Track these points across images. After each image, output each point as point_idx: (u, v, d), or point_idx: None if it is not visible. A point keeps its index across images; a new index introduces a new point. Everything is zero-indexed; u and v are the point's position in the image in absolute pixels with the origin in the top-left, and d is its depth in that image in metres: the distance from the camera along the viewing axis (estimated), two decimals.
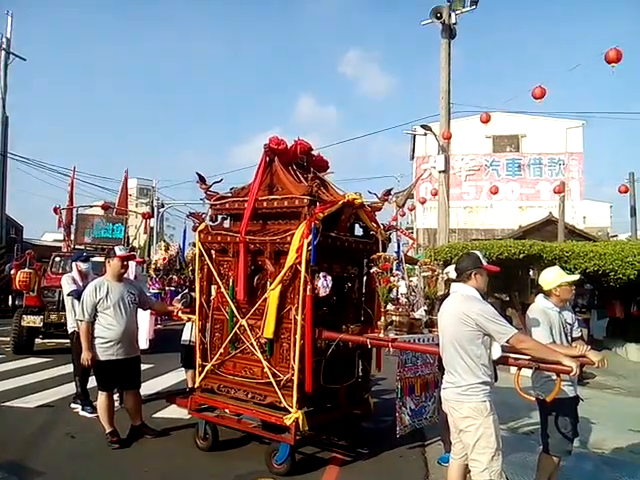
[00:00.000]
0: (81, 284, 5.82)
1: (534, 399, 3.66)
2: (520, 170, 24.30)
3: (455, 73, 13.98)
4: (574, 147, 24.02)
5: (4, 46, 18.53)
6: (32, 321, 9.30)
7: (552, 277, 3.86)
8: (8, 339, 10.14)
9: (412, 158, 27.64)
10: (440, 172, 14.26)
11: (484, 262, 3.42)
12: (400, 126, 20.50)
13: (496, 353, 3.24)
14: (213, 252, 4.92)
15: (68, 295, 5.92)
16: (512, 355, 3.35)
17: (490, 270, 3.45)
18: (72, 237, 11.47)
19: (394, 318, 4.27)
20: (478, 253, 3.51)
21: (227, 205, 4.92)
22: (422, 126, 15.19)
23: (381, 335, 4.17)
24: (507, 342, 3.13)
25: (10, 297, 15.00)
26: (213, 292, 4.88)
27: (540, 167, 24.22)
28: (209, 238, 4.89)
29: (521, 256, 11.34)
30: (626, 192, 20.36)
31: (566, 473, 4.17)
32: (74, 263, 6.08)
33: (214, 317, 4.87)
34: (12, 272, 14.06)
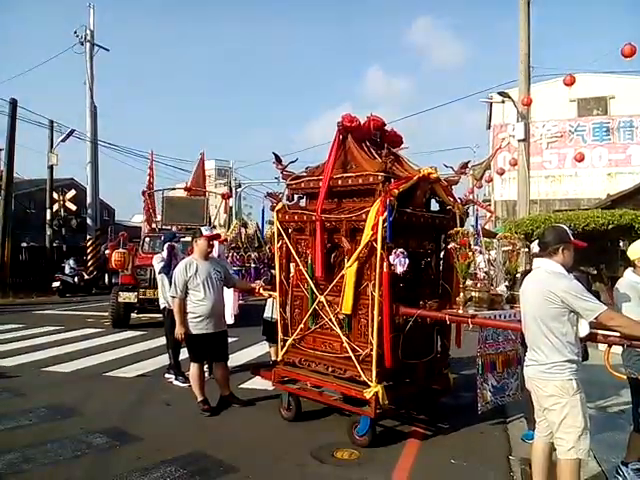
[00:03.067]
0: (172, 262, 6.18)
1: (625, 377, 3.51)
2: (609, 134, 22.49)
3: (535, 35, 13.15)
4: None
5: (88, 38, 19.69)
6: (127, 297, 10.08)
7: (639, 247, 3.69)
8: (107, 314, 11.08)
9: (489, 127, 26.41)
10: (519, 141, 13.58)
11: (571, 236, 3.28)
12: (475, 94, 19.68)
13: (584, 330, 3.12)
14: (290, 231, 5.06)
15: (159, 273, 6.32)
16: (601, 332, 3.22)
17: (578, 245, 3.30)
18: (156, 218, 12.17)
19: (473, 294, 4.21)
20: (565, 227, 3.37)
21: (303, 184, 5.02)
22: (499, 93, 14.47)
23: (460, 311, 4.13)
24: (596, 319, 3.00)
25: (106, 275, 16.31)
26: (292, 269, 5.04)
27: (632, 130, 22.28)
28: (286, 217, 5.03)
29: (610, 227, 10.66)
30: None
31: None
32: (166, 244, 6.44)
33: (294, 293, 5.03)
34: (107, 252, 15.25)
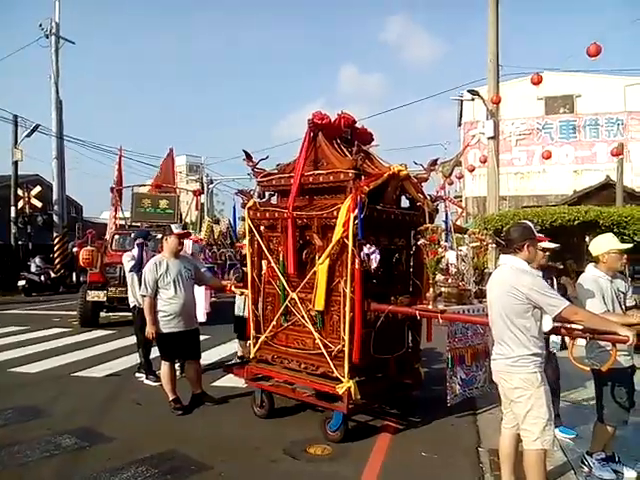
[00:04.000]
0: (144, 260, 6.09)
1: (589, 369, 3.62)
2: (575, 132, 23.09)
3: (504, 34, 13.35)
4: (634, 106, 22.56)
5: (54, 31, 19.16)
6: (96, 296, 9.89)
7: (601, 244, 3.82)
8: (75, 313, 10.84)
9: (459, 124, 26.82)
10: (489, 138, 13.81)
11: (535, 233, 3.36)
12: (446, 92, 19.97)
13: (547, 325, 3.22)
14: (262, 228, 5.05)
15: (130, 272, 6.23)
16: (565, 325, 3.31)
17: (542, 241, 3.39)
18: (121, 214, 11.97)
19: (443, 289, 4.28)
20: (529, 223, 3.45)
21: (274, 182, 5.01)
22: (469, 91, 14.70)
23: (430, 306, 4.20)
24: (559, 314, 3.09)
25: (74, 274, 15.95)
26: (264, 267, 5.03)
27: (597, 128, 22.94)
28: (258, 214, 5.01)
29: (576, 223, 10.91)
30: None
31: (623, 443, 4.11)
32: (136, 241, 6.34)
33: (265, 291, 5.03)
34: (75, 250, 14.92)
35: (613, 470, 3.76)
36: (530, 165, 23.28)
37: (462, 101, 21.61)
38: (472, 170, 18.90)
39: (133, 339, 6.99)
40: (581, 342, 3.50)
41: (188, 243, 6.95)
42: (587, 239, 11.91)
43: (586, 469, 3.82)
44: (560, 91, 22.60)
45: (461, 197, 24.70)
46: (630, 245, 3.96)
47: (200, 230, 12.74)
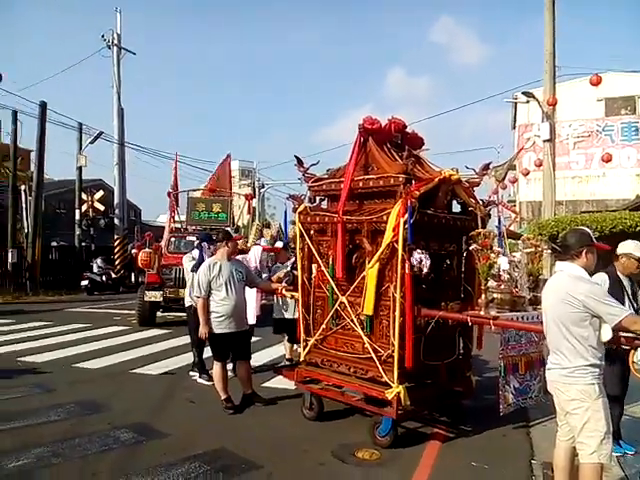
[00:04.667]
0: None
1: None
2: (638, 134, 21.96)
3: (560, 34, 12.92)
4: None
5: (115, 42, 20.13)
6: (154, 296, 10.31)
7: (628, 246, 4.05)
8: (133, 312, 11.32)
9: (514, 127, 26.08)
10: (545, 141, 13.40)
11: (594, 239, 3.26)
12: (500, 94, 19.44)
13: (606, 334, 3.09)
14: (312, 232, 5.12)
15: (191, 271, 6.42)
16: (625, 335, 3.18)
17: (601, 248, 3.28)
18: (177, 218, 12.40)
19: (495, 295, 4.20)
20: (587, 229, 3.35)
21: (324, 186, 5.07)
22: (524, 93, 14.30)
23: (482, 313, 4.13)
24: (619, 323, 2.97)
25: (133, 274, 16.65)
26: (314, 270, 5.09)
27: None
28: (308, 219, 5.09)
29: (638, 229, 10.43)
30: None
31: None
32: (203, 244, 6.53)
33: (315, 294, 5.09)
34: (134, 252, 15.57)
35: None
36: (589, 169, 22.30)
37: (516, 103, 21.04)
38: (526, 174, 18.32)
39: (187, 338, 7.22)
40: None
41: (257, 250, 7.12)
42: None
43: None
44: (621, 92, 21.56)
45: (514, 202, 23.98)
46: None
47: (250, 233, 13.00)
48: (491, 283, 4.35)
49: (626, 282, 4.11)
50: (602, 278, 3.97)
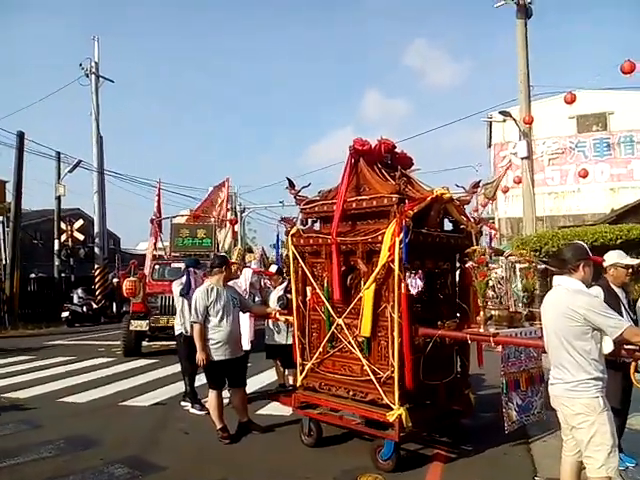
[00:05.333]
0: (193, 286, 6.17)
1: None
2: (609, 150, 22.66)
3: (533, 54, 13.33)
4: None
5: (93, 70, 20.08)
6: (139, 325, 10.09)
7: (612, 256, 4.07)
8: (118, 343, 11.05)
9: (489, 146, 26.65)
10: (523, 158, 13.70)
11: (589, 253, 3.31)
12: (476, 114, 19.80)
13: (608, 347, 3.12)
14: (306, 254, 5.10)
15: (180, 296, 6.31)
16: (626, 347, 3.21)
17: (596, 261, 3.33)
18: (161, 244, 12.27)
19: (493, 312, 4.22)
20: (583, 243, 3.40)
21: (317, 208, 5.08)
22: (501, 112, 14.66)
23: (481, 330, 4.13)
24: (621, 335, 3.00)
25: (114, 304, 16.31)
26: (308, 293, 5.06)
27: (632, 145, 22.42)
28: (301, 241, 5.07)
29: (618, 242, 10.65)
30: None
31: None
32: (190, 269, 6.45)
33: (311, 317, 5.04)
34: (115, 280, 15.27)
35: None
36: (564, 184, 22.86)
37: (491, 122, 21.54)
38: (506, 191, 18.69)
39: (176, 368, 7.07)
40: None
41: (247, 273, 7.07)
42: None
43: None
44: (592, 109, 22.28)
45: (493, 219, 24.38)
46: (638, 261, 4.12)
47: (231, 259, 12.93)
48: (490, 296, 4.38)
49: (620, 293, 4.17)
50: (597, 291, 4.01)
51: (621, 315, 3.59)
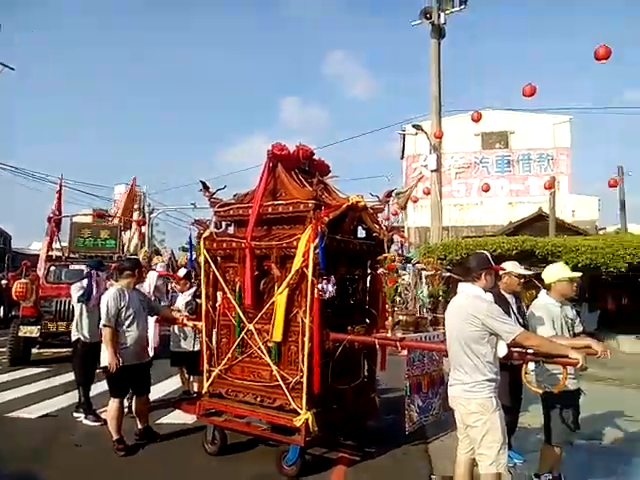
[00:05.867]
0: (94, 291, 5.82)
1: (542, 391, 3.75)
2: (509, 166, 24.51)
3: (445, 72, 14.11)
4: (562, 142, 24.28)
5: None
6: (29, 331, 9.21)
7: (553, 272, 4.04)
8: (4, 350, 10.05)
9: (402, 157, 27.78)
10: (432, 171, 14.38)
11: (492, 262, 3.50)
12: (391, 126, 20.63)
13: (502, 351, 3.33)
14: (218, 258, 4.96)
15: (78, 302, 5.88)
16: (517, 350, 3.43)
17: (497, 270, 3.53)
18: (58, 244, 11.36)
19: (401, 317, 4.35)
20: (487, 253, 3.59)
21: (231, 212, 4.97)
22: (414, 126, 15.30)
23: (389, 334, 4.24)
24: (514, 340, 3.20)
25: (2, 308, 14.86)
26: (219, 298, 4.92)
27: (529, 163, 24.45)
28: (214, 245, 4.93)
29: (514, 252, 11.48)
30: (615, 186, 20.57)
31: (564, 464, 4.24)
32: (93, 271, 6.03)
33: (220, 323, 4.91)
34: (4, 282, 13.91)
35: None
36: (469, 197, 24.39)
37: (405, 135, 22.46)
38: (416, 201, 19.50)
39: (68, 377, 6.58)
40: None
41: (152, 276, 6.72)
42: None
43: None
44: (496, 127, 23.98)
45: (404, 227, 25.40)
46: (579, 274, 4.23)
47: None
48: (400, 302, 4.52)
49: (510, 299, 4.45)
50: (489, 297, 4.24)
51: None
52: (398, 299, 4.95)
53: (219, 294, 4.91)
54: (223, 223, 5.11)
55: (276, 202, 4.64)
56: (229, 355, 4.78)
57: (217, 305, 4.92)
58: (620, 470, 4.52)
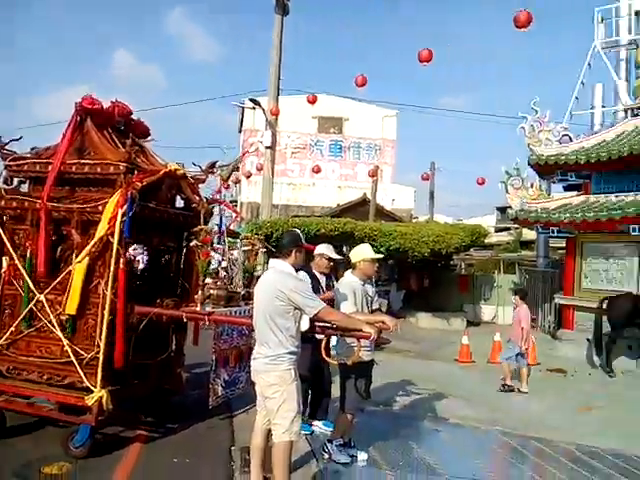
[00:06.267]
0: None
1: (337, 363, 4.02)
2: (341, 152, 25.87)
3: (287, 51, 14.21)
4: (389, 134, 26.34)
5: None
6: None
7: (358, 253, 4.33)
8: None
9: (240, 130, 27.48)
10: (267, 148, 14.47)
11: (303, 240, 3.62)
12: (230, 97, 20.17)
13: (305, 325, 3.48)
14: (6, 219, 4.35)
15: None
16: (319, 324, 3.61)
17: (307, 248, 3.66)
18: None
19: (212, 292, 4.28)
20: (298, 231, 3.70)
21: (26, 167, 4.38)
22: (251, 99, 15.19)
23: (198, 309, 4.15)
24: (316, 315, 3.36)
25: None
26: (4, 264, 4.31)
27: (359, 150, 26.08)
28: (2, 203, 4.31)
29: (336, 233, 12.19)
30: (428, 179, 23.19)
31: (357, 428, 4.65)
32: None
33: (4, 292, 4.34)
34: None
35: (349, 454, 4.24)
36: (302, 177, 25.19)
37: (243, 108, 22.19)
38: (249, 176, 19.53)
39: None
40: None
41: None
42: (344, 248, 13.47)
43: (326, 455, 4.22)
44: (332, 113, 25.02)
45: (236, 202, 25.29)
46: (381, 255, 4.64)
47: None
48: (209, 280, 4.44)
49: (320, 277, 4.77)
50: (303, 275, 4.43)
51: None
52: (224, 274, 4.87)
53: (5, 259, 4.30)
54: (15, 179, 4.46)
55: (82, 161, 4.20)
56: (13, 329, 4.24)
57: (1, 272, 4.31)
58: (405, 433, 5.08)
